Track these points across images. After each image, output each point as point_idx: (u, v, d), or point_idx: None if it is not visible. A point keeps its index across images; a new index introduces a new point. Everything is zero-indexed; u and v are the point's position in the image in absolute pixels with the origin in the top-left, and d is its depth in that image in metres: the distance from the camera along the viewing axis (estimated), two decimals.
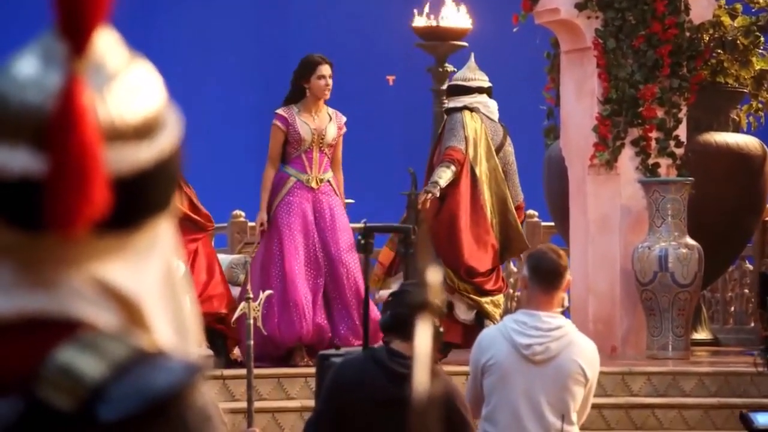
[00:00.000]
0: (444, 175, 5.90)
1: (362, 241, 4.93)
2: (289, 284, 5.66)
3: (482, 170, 6.02)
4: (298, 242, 5.70)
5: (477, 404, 3.51)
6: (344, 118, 5.93)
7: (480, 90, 6.07)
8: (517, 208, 6.17)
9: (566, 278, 3.46)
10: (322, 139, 5.82)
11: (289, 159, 5.84)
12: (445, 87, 6.29)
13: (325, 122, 5.86)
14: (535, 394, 3.44)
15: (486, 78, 6.16)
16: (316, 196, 5.78)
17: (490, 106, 6.10)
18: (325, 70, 5.81)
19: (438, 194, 5.88)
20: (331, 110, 5.91)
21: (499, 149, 6.11)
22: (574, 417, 3.46)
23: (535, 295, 3.46)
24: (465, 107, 6.04)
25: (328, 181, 5.83)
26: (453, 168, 5.89)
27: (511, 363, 3.45)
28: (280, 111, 5.88)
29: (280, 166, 5.86)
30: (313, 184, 5.78)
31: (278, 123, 5.86)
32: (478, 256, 5.97)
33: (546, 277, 3.42)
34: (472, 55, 6.25)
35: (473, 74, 6.14)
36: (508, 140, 6.16)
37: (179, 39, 11.12)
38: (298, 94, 5.87)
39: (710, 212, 6.84)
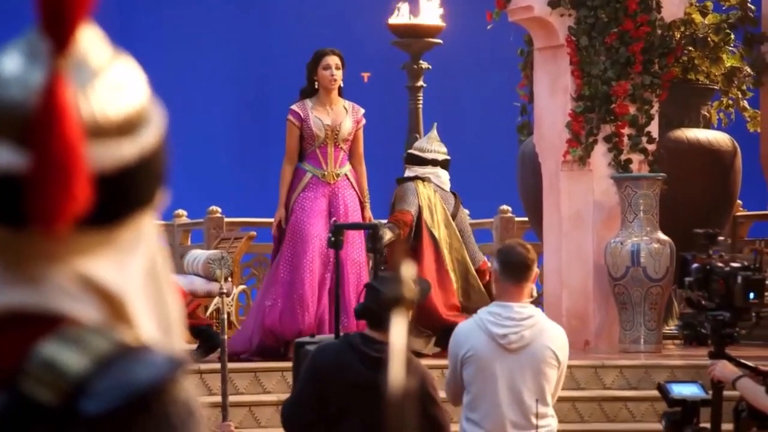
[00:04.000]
0: (384, 236, 5.93)
1: (332, 239, 5.01)
2: (298, 279, 5.65)
3: (442, 236, 6.07)
4: (313, 238, 5.68)
5: (458, 394, 3.70)
6: (362, 110, 5.88)
7: (434, 162, 6.15)
8: (480, 270, 6.17)
9: (534, 270, 3.68)
10: (337, 134, 5.78)
11: (305, 155, 5.81)
12: (407, 153, 6.45)
13: (341, 116, 5.82)
14: (514, 381, 3.64)
15: (444, 150, 6.24)
16: (332, 191, 5.76)
17: (442, 177, 6.19)
18: (331, 60, 5.75)
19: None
20: (347, 103, 5.86)
21: (453, 216, 6.18)
22: (549, 399, 3.69)
23: (506, 288, 3.67)
24: (417, 177, 6.13)
25: (346, 175, 5.80)
26: (396, 230, 5.92)
27: (488, 353, 3.64)
28: (293, 106, 5.84)
29: (297, 162, 5.82)
30: (330, 179, 5.76)
31: (292, 118, 5.81)
32: (452, 318, 6.00)
33: (515, 270, 3.63)
34: (435, 125, 6.31)
35: (431, 146, 6.22)
36: (461, 207, 6.23)
37: (160, 36, 11.06)
38: (311, 89, 5.83)
39: (682, 207, 6.91)
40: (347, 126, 5.81)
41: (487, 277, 6.23)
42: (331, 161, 5.77)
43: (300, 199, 5.76)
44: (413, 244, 6.00)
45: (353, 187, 5.81)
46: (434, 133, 6.29)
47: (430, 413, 3.28)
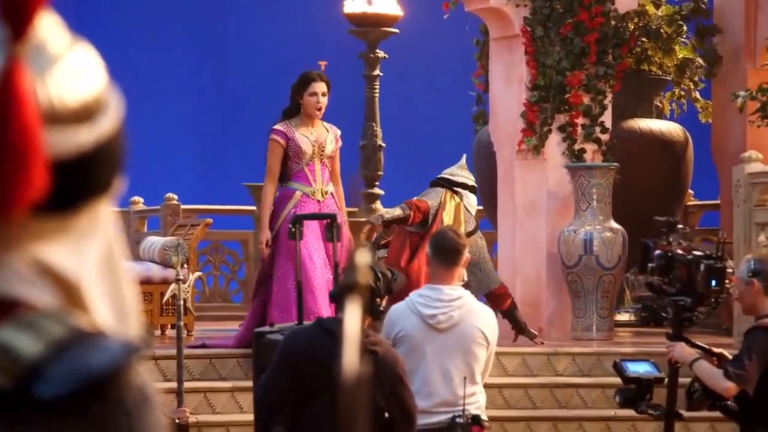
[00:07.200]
0: (392, 212, 6.00)
1: (292, 229, 5.02)
2: (308, 293, 5.52)
3: None
4: (315, 250, 5.60)
5: None
6: (339, 131, 5.89)
7: (464, 186, 6.29)
8: (496, 295, 6.21)
9: (465, 255, 3.86)
10: (323, 151, 5.77)
11: (292, 174, 5.74)
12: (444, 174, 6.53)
13: (324, 135, 5.81)
14: (443, 359, 3.80)
15: (472, 178, 6.39)
16: (321, 209, 5.70)
17: (470, 199, 6.32)
18: (319, 87, 5.74)
19: (378, 225, 5.93)
20: (326, 123, 5.87)
21: (468, 236, 6.23)
22: (478, 378, 3.83)
23: (438, 271, 3.85)
24: (449, 187, 6.24)
25: (331, 193, 5.78)
26: (407, 211, 5.97)
27: (419, 333, 3.81)
28: (278, 126, 5.78)
29: (282, 183, 5.75)
30: (319, 197, 5.71)
31: (277, 138, 5.74)
32: None
33: (447, 255, 3.81)
34: (464, 156, 6.44)
35: (461, 172, 6.36)
36: (478, 232, 6.33)
37: (118, 24, 10.94)
38: (294, 109, 5.81)
39: (634, 197, 7.01)
40: (330, 144, 5.82)
41: (507, 303, 6.27)
42: (319, 178, 5.74)
43: (292, 216, 5.62)
44: (422, 233, 6.01)
45: (337, 206, 5.79)
46: (463, 161, 6.43)
47: (399, 394, 3.36)
